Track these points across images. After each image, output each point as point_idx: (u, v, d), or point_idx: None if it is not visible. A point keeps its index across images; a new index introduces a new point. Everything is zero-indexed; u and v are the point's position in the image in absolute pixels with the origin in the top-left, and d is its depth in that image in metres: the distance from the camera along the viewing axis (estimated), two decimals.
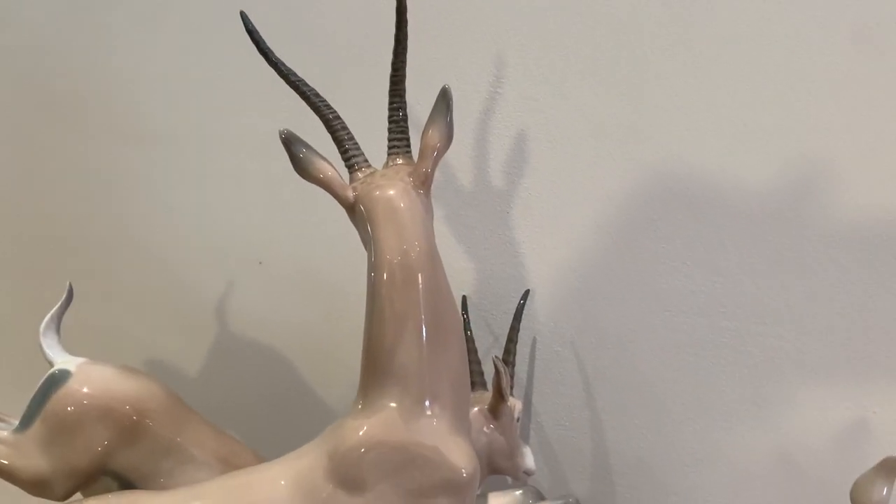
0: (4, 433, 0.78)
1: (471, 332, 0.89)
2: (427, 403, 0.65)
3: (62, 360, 0.80)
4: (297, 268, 1.04)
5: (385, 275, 0.65)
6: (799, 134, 0.78)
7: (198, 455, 0.80)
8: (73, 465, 0.77)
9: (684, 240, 0.84)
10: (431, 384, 0.65)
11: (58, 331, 0.81)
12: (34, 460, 0.77)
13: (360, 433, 0.64)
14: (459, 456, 0.64)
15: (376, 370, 0.65)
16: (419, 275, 0.64)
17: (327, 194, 0.68)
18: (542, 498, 0.75)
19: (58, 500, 0.79)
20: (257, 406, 1.08)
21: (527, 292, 0.89)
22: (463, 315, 0.90)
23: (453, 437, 0.65)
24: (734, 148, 0.80)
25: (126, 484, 0.78)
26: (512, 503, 0.71)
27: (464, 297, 0.92)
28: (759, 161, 0.80)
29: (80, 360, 0.80)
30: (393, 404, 0.64)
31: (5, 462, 0.77)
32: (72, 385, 0.78)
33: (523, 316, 0.88)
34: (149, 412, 0.79)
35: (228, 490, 0.66)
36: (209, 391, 1.10)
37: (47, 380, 0.79)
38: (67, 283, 0.82)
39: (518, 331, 0.87)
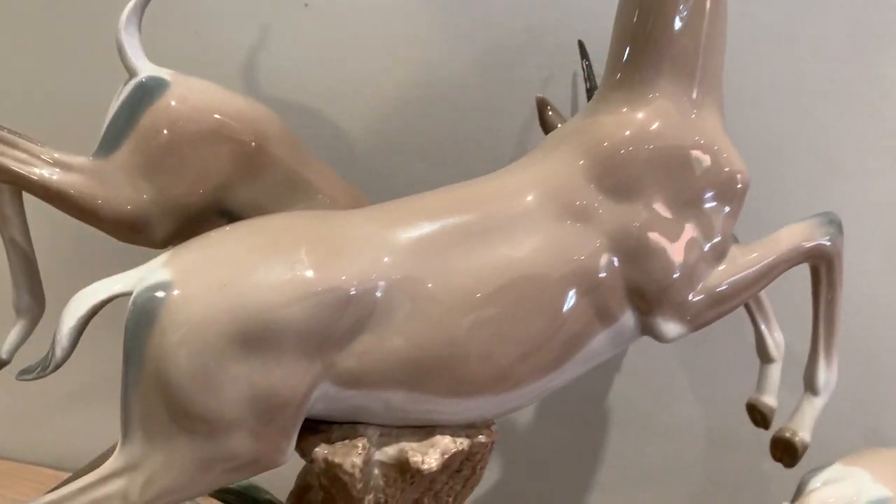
0: (79, 159, 0.59)
1: (595, 83, 0.78)
2: (703, 97, 0.54)
3: (147, 67, 0.61)
4: (350, 9, 0.87)
5: None
6: None
7: (327, 195, 0.65)
8: (179, 199, 0.60)
9: None
10: (707, 74, 0.54)
11: (139, 29, 0.62)
12: (125, 192, 0.59)
13: (631, 127, 0.53)
14: (737, 158, 0.55)
15: (647, 51, 0.53)
16: None
17: None
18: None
19: (156, 244, 0.61)
20: None
21: None
22: (583, 63, 0.79)
23: (726, 138, 0.55)
24: None
25: None
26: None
27: (580, 43, 0.80)
28: None
29: (168, 70, 0.62)
30: (667, 94, 0.53)
31: (86, 194, 0.58)
32: (171, 97, 0.59)
33: None
34: (269, 137, 0.62)
35: (460, 202, 0.53)
36: None
37: (136, 89, 0.59)
38: None
39: None
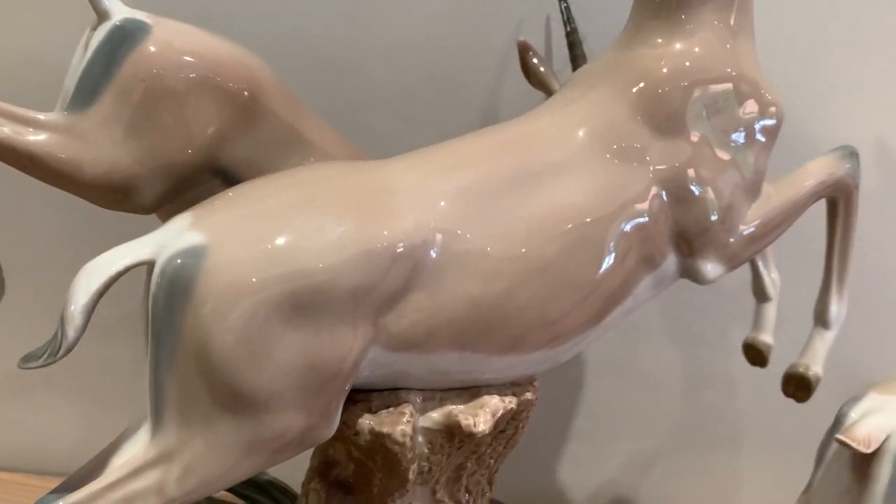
0: (51, 115, 0.52)
1: (574, 26, 0.76)
2: (739, 24, 0.52)
3: (122, 9, 0.54)
4: None
5: None
6: None
7: (324, 151, 0.60)
8: (169, 158, 0.53)
9: None
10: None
11: None
12: (108, 152, 0.52)
13: (672, 61, 0.50)
14: (772, 90, 0.54)
15: None
16: None
17: None
18: None
19: (143, 210, 0.55)
20: None
21: None
22: (561, 4, 0.76)
23: (759, 69, 0.54)
24: None
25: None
26: None
27: None
28: None
29: (144, 12, 0.55)
30: (706, 21, 0.51)
31: (63, 156, 0.51)
32: (153, 42, 0.53)
33: None
34: (262, 86, 0.57)
35: (503, 147, 0.49)
36: None
37: (113, 33, 0.52)
38: None
39: None
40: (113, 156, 0.52)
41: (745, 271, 0.88)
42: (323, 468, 0.55)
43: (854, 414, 0.53)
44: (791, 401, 0.94)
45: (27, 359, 0.43)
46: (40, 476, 0.93)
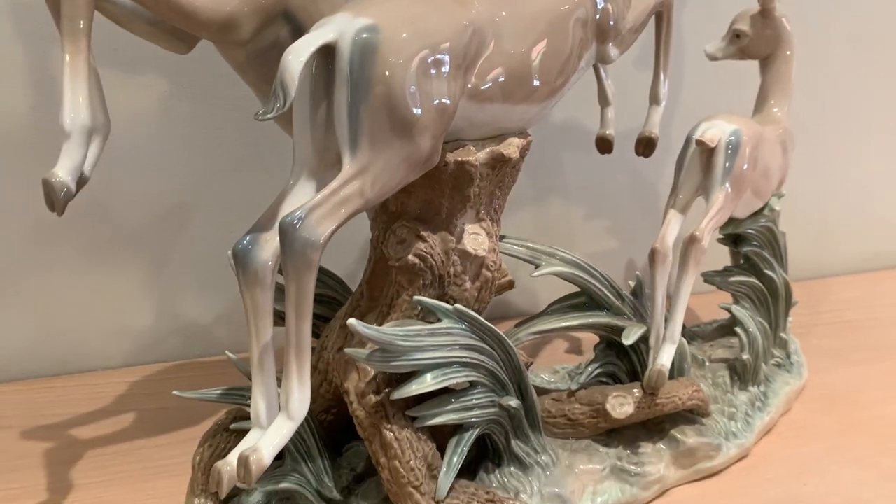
0: None
1: None
2: None
3: None
4: None
5: None
6: None
7: None
8: (263, 1, 0.73)
9: None
10: None
11: None
12: None
13: None
14: None
15: None
16: None
17: None
18: None
19: (243, 42, 0.74)
20: None
21: None
22: None
23: None
24: None
25: (295, 28, 0.77)
26: None
27: None
28: None
29: None
30: None
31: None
32: None
33: None
34: None
35: None
36: None
37: None
38: None
39: None
40: (227, 1, 0.71)
41: (562, 116, 1.23)
42: (394, 218, 0.78)
43: (699, 131, 0.89)
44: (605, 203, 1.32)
45: (260, 113, 0.61)
46: None
